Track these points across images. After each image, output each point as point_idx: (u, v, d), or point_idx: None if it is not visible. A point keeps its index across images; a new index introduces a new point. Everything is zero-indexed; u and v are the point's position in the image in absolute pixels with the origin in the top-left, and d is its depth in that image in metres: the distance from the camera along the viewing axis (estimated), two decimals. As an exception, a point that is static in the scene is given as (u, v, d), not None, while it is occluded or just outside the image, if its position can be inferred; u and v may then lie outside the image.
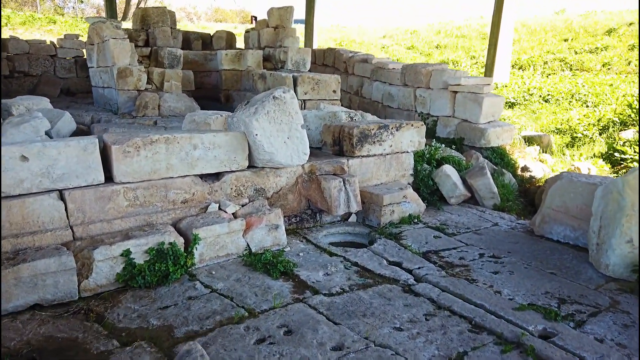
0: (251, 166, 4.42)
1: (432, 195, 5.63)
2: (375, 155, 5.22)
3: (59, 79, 11.42)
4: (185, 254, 3.57)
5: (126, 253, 3.29)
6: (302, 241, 4.43)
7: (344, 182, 4.63)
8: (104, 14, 17.09)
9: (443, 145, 6.39)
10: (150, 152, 3.80)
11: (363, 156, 5.13)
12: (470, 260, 4.12)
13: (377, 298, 3.38)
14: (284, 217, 4.63)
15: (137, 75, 7.66)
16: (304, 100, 7.77)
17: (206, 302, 3.23)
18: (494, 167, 6.82)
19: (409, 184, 5.58)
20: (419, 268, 3.92)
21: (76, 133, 6.37)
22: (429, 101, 8.14)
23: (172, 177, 3.95)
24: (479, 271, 3.89)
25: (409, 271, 3.88)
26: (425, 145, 6.59)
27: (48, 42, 12.15)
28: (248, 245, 3.98)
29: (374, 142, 5.16)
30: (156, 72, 8.29)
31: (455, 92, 7.62)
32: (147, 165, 3.80)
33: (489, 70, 11.94)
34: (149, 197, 3.84)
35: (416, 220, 5.08)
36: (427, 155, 6.14)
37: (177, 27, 10.32)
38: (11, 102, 6.13)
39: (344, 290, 3.49)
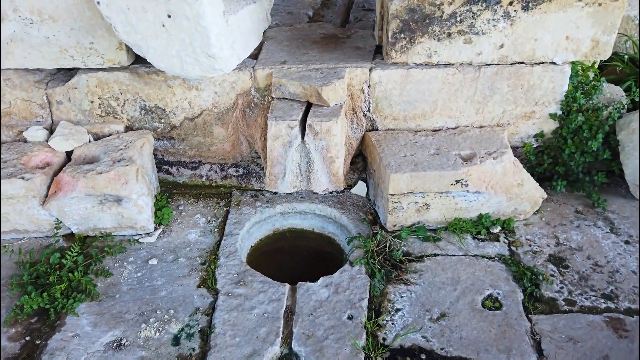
0: (145, 63, 2.30)
1: (592, 170, 2.45)
2: (446, 64, 2.30)
3: None
4: None
5: None
6: (210, 221, 2.32)
7: (302, 129, 2.10)
8: None
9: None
10: None
11: (416, 65, 2.30)
12: None
13: None
14: (213, 164, 2.51)
15: None
16: None
17: None
18: None
19: (539, 136, 2.50)
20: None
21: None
22: None
23: (-37, 72, 2.25)
24: None
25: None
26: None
27: None
28: (62, 222, 2.16)
29: (447, 33, 2.21)
30: None
31: None
32: None
33: None
34: None
35: (497, 232, 2.25)
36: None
37: None
38: None
39: None
